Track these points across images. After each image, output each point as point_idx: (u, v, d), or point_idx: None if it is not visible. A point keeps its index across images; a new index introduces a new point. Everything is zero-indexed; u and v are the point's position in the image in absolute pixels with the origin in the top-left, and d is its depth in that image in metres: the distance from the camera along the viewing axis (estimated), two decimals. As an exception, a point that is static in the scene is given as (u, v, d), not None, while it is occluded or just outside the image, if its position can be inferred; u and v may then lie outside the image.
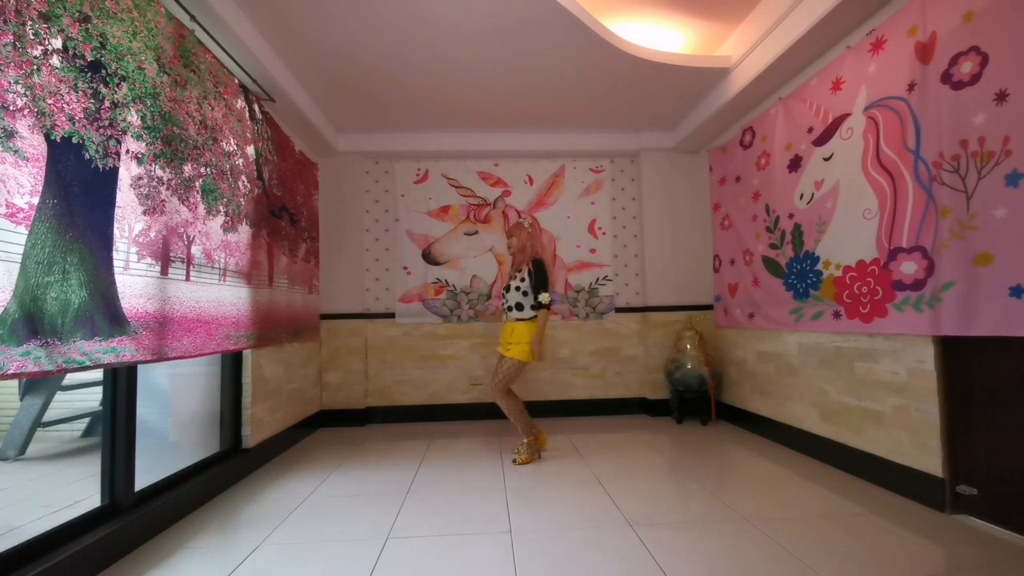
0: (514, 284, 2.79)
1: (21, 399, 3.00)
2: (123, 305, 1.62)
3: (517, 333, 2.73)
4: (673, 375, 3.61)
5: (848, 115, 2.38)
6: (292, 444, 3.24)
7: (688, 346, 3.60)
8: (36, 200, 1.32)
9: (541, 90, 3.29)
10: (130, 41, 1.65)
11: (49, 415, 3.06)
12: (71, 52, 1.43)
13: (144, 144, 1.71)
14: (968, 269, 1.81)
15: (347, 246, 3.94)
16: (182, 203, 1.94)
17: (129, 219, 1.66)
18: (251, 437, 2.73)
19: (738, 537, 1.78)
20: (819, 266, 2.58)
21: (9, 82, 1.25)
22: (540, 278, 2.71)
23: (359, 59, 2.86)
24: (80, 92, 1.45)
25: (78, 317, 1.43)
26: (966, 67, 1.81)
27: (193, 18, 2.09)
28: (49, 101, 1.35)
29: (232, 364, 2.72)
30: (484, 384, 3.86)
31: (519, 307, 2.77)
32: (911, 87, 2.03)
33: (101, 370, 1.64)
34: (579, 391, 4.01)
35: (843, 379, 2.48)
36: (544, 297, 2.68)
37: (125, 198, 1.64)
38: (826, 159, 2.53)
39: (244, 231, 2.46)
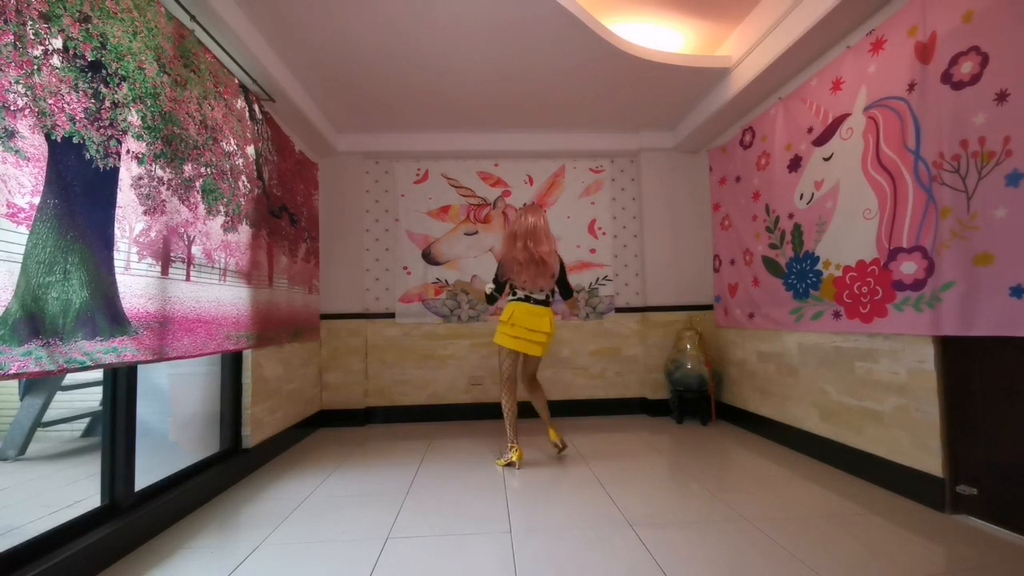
0: None
1: (21, 399, 3.00)
2: (124, 305, 1.62)
3: None
4: (673, 375, 3.61)
5: (848, 115, 2.38)
6: (292, 444, 3.24)
7: (688, 346, 3.60)
8: (37, 200, 1.32)
9: (541, 90, 3.28)
10: (130, 41, 1.65)
11: (49, 415, 3.06)
12: (71, 52, 1.43)
13: (144, 144, 1.71)
14: (968, 269, 1.81)
15: (347, 246, 3.93)
16: (182, 203, 1.94)
17: (130, 219, 1.66)
18: (251, 437, 2.73)
19: (738, 537, 1.78)
20: (819, 266, 2.58)
21: (10, 82, 1.25)
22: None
23: (359, 59, 2.86)
24: (80, 92, 1.45)
25: (79, 317, 1.43)
26: (966, 67, 1.81)
27: (193, 18, 2.09)
28: (50, 101, 1.35)
29: (232, 364, 2.72)
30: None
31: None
32: (911, 87, 2.03)
33: (101, 370, 1.64)
34: (579, 391, 4.01)
35: (843, 379, 2.48)
36: (488, 287, 2.88)
37: (126, 198, 1.64)
38: (826, 159, 2.53)
39: (244, 231, 2.47)
